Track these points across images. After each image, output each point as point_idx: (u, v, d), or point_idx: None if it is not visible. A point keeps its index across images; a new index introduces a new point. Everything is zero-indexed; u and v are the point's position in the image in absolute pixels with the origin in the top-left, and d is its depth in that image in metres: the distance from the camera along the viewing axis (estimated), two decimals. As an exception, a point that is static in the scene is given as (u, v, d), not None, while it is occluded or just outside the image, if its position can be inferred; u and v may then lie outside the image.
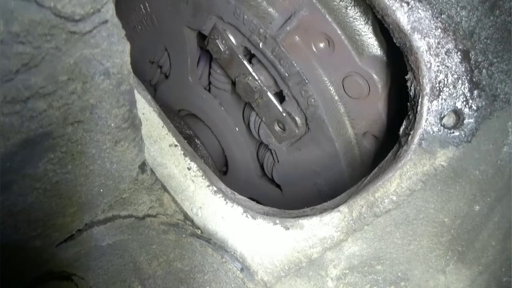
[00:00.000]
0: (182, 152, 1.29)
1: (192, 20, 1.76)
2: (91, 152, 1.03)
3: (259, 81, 1.61)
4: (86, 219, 1.18)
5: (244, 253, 1.24)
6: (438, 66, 1.02)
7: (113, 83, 0.97)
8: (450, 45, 1.00)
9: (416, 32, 1.01)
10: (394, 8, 1.01)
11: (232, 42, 1.63)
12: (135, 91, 1.15)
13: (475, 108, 1.01)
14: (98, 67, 0.91)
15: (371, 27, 1.33)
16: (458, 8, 0.98)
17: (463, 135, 1.03)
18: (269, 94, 1.61)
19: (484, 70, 0.99)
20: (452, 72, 1.01)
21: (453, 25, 0.99)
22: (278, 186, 1.93)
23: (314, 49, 1.43)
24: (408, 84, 1.09)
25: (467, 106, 1.02)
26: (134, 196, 1.27)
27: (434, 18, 1.00)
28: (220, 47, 1.65)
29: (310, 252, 1.18)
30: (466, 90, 1.01)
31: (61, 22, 0.79)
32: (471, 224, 1.09)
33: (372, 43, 1.34)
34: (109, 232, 1.21)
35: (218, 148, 2.10)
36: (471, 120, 1.02)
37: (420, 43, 1.01)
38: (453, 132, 1.03)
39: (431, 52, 1.01)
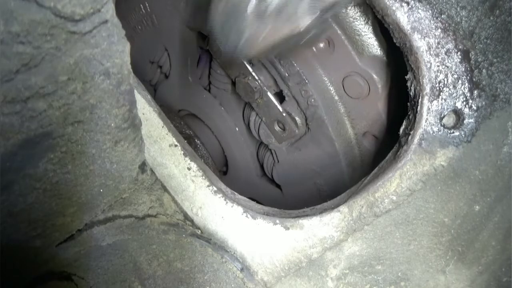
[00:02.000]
0: (182, 152, 1.29)
1: (192, 20, 1.76)
2: (91, 152, 1.02)
3: (259, 81, 1.61)
4: (86, 219, 1.18)
5: (244, 253, 1.24)
6: (438, 66, 1.02)
7: (113, 83, 0.97)
8: (450, 45, 1.00)
9: (416, 32, 1.01)
10: (394, 8, 1.01)
11: (232, 42, 1.63)
12: (135, 91, 1.15)
13: (475, 108, 1.01)
14: (98, 67, 0.91)
15: (371, 27, 1.33)
16: (458, 8, 0.98)
17: (463, 135, 1.03)
18: (269, 94, 1.61)
19: (484, 70, 0.99)
20: (452, 72, 1.01)
21: (453, 25, 0.99)
22: (278, 186, 1.93)
23: (314, 49, 1.43)
24: (408, 84, 1.09)
25: (467, 106, 1.02)
26: (134, 196, 1.27)
27: (434, 18, 1.00)
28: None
29: (310, 252, 1.18)
30: (466, 90, 1.01)
31: (61, 22, 0.79)
32: (471, 224, 1.09)
33: (372, 43, 1.34)
34: (109, 232, 1.21)
35: (218, 148, 2.10)
36: (471, 120, 1.02)
37: (420, 43, 1.01)
38: (453, 132, 1.03)
39: (431, 52, 1.01)
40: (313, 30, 0.94)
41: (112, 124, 1.03)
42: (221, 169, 2.24)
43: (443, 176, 1.06)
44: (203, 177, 1.27)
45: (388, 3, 1.01)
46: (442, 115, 1.04)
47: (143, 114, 1.26)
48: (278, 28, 0.91)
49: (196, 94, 2.00)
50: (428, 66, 1.02)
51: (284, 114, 1.60)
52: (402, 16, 1.01)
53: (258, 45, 0.96)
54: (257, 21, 0.90)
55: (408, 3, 1.00)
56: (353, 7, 1.32)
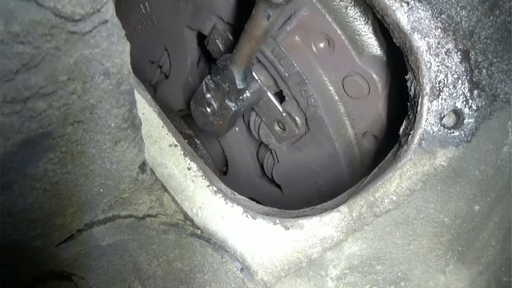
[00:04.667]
0: (182, 152, 1.29)
1: (192, 20, 1.76)
2: (91, 152, 1.03)
3: (259, 81, 1.61)
4: (86, 219, 1.18)
5: (244, 253, 1.24)
6: (438, 66, 1.02)
7: (113, 83, 0.97)
8: (450, 45, 1.00)
9: (416, 32, 1.01)
10: (394, 8, 1.01)
11: (232, 42, 1.63)
12: (135, 91, 1.15)
13: (475, 108, 1.01)
14: (98, 67, 0.91)
15: (371, 27, 1.33)
16: (458, 8, 0.98)
17: (463, 135, 1.03)
18: (269, 94, 1.61)
19: (484, 70, 0.99)
20: (452, 72, 1.01)
21: (453, 25, 0.99)
22: (278, 186, 1.93)
23: (314, 49, 1.43)
24: (408, 84, 1.09)
25: (467, 106, 1.02)
26: (134, 196, 1.27)
27: (434, 18, 1.00)
28: (220, 47, 1.65)
29: (310, 252, 1.18)
30: (466, 90, 1.01)
31: (61, 22, 0.79)
32: (471, 224, 1.09)
33: (372, 43, 1.34)
34: (109, 232, 1.21)
35: (218, 148, 2.10)
36: (471, 120, 1.02)
37: (420, 43, 1.01)
38: (453, 132, 1.03)
39: (431, 52, 1.01)
40: None
41: (112, 124, 1.03)
42: (221, 169, 2.24)
43: (443, 176, 1.06)
44: (203, 177, 1.27)
45: (388, 3, 1.01)
46: (442, 115, 1.04)
47: (143, 114, 1.26)
48: None
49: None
50: (428, 66, 1.02)
51: (284, 114, 1.60)
52: (402, 16, 1.01)
53: None
54: None
55: (408, 3, 1.00)
56: (353, 7, 1.32)
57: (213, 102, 1.57)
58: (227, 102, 1.53)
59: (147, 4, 1.94)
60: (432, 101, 1.03)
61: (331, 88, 1.47)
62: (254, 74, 1.60)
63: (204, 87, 1.56)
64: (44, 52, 0.79)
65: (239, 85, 1.46)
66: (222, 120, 1.60)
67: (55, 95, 0.85)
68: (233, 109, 1.53)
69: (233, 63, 1.42)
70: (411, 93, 1.09)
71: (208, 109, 1.60)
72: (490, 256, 1.12)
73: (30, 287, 1.13)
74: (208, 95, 1.56)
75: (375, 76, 1.36)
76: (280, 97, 1.61)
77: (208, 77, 1.54)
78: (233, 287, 1.20)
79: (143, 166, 1.26)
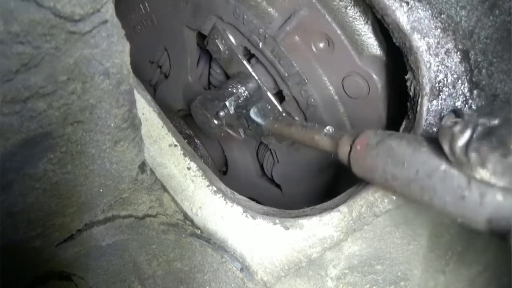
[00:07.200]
0: (182, 152, 1.29)
1: (192, 20, 1.76)
2: (91, 152, 1.03)
3: (259, 81, 1.61)
4: (86, 219, 1.18)
5: (244, 253, 1.24)
6: (437, 66, 1.02)
7: (113, 83, 0.97)
8: (449, 45, 1.00)
9: (415, 32, 1.01)
10: (393, 8, 1.01)
11: (232, 42, 1.63)
12: (135, 91, 1.15)
13: (474, 108, 1.01)
14: (98, 67, 0.91)
15: (371, 27, 1.33)
16: (458, 8, 0.98)
17: (463, 135, 1.03)
18: (269, 94, 1.61)
19: (483, 70, 0.99)
20: (452, 72, 1.01)
21: (452, 25, 0.99)
22: (278, 186, 1.93)
23: (314, 49, 1.43)
24: (408, 84, 1.09)
25: (466, 106, 1.02)
26: (134, 196, 1.27)
27: (434, 18, 1.00)
28: (220, 47, 1.65)
29: (310, 252, 1.18)
30: (466, 90, 1.01)
31: (61, 22, 0.79)
32: (471, 224, 1.09)
33: (372, 43, 1.34)
34: (109, 232, 1.21)
35: (218, 148, 2.10)
36: (471, 120, 1.02)
37: (419, 43, 1.01)
38: (452, 132, 1.03)
39: (431, 52, 1.01)
40: None
41: (112, 124, 1.03)
42: (221, 169, 2.24)
43: (443, 176, 1.06)
44: (203, 177, 1.27)
45: (387, 3, 1.01)
46: (442, 115, 1.03)
47: (143, 114, 1.26)
48: None
49: (196, 94, 2.00)
50: (428, 66, 1.02)
51: (284, 114, 1.60)
52: (402, 16, 1.01)
53: None
54: None
55: (407, 3, 1.00)
56: (352, 7, 1.32)
57: (223, 121, 1.53)
58: (239, 130, 1.53)
59: (146, 4, 1.94)
60: (431, 101, 1.03)
61: (331, 88, 1.47)
62: (254, 74, 1.61)
63: (221, 107, 1.50)
64: (44, 52, 0.79)
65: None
66: (224, 133, 1.58)
67: (55, 95, 0.86)
68: (241, 137, 1.54)
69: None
70: (411, 93, 1.09)
71: (215, 121, 1.55)
72: (490, 256, 1.12)
73: (30, 287, 1.13)
74: (222, 113, 1.51)
75: (375, 76, 1.36)
76: (280, 97, 1.61)
77: (233, 103, 1.50)
78: (233, 287, 1.20)
79: (143, 166, 1.26)
